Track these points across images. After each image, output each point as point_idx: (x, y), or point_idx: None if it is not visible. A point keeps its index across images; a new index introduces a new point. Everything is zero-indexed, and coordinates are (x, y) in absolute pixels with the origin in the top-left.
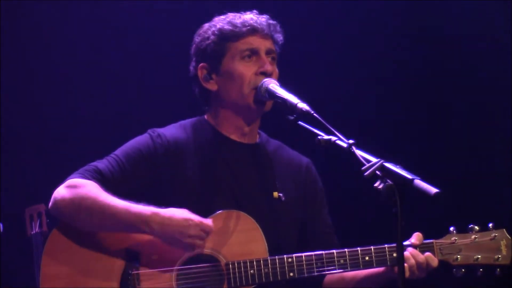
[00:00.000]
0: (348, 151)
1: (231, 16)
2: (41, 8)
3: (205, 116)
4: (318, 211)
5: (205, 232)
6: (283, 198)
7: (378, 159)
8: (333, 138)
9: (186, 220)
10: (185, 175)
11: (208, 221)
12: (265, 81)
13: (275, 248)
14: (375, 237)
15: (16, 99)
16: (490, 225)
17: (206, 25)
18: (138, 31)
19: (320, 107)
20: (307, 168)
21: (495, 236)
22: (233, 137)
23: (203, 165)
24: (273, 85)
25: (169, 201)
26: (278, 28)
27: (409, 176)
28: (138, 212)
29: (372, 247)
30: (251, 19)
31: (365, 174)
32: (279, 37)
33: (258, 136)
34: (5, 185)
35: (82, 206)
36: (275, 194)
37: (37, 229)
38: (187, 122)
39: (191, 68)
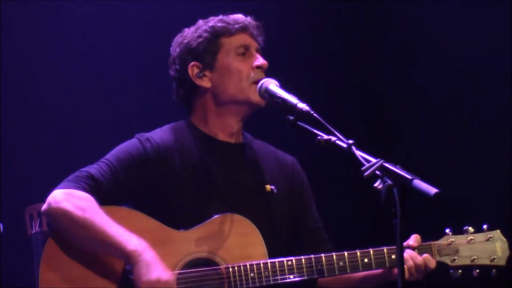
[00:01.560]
0: (347, 151)
1: (219, 16)
2: (38, 8)
3: (190, 119)
4: (307, 206)
5: None
6: (275, 191)
7: (378, 159)
8: (333, 138)
9: (162, 271)
10: (177, 177)
11: None
12: (265, 81)
13: (272, 242)
14: (375, 237)
15: (15, 98)
16: (485, 226)
17: (189, 29)
18: (129, 34)
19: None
20: (293, 165)
21: (490, 237)
22: (220, 137)
23: (194, 166)
24: (273, 85)
25: (163, 204)
26: (262, 30)
27: (408, 176)
28: (126, 241)
29: (371, 249)
30: (241, 18)
31: (365, 174)
32: (262, 38)
33: (242, 136)
34: (5, 185)
35: (75, 221)
36: (268, 187)
37: (37, 229)
38: (173, 125)
39: (174, 72)
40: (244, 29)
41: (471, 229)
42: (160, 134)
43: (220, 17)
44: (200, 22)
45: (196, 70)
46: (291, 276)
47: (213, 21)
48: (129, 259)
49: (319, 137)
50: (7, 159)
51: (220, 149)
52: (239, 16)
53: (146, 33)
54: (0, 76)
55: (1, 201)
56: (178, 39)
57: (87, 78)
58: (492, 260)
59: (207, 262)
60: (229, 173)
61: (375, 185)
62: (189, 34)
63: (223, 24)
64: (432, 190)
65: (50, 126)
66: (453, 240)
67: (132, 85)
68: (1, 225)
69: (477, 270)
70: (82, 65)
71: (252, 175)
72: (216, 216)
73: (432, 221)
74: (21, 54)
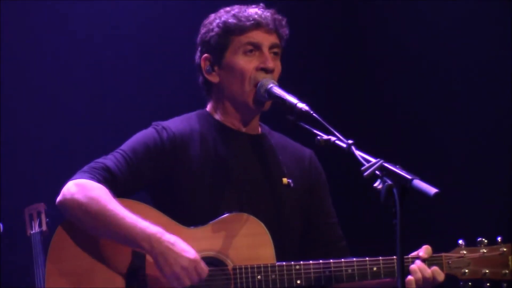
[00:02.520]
0: (347, 151)
1: (236, 9)
2: (39, 8)
3: (207, 108)
4: (323, 201)
5: (197, 272)
6: (292, 184)
7: (378, 159)
8: (333, 138)
9: (186, 251)
10: (193, 166)
11: (205, 268)
12: (265, 81)
13: (284, 238)
14: (376, 237)
15: (16, 98)
16: (499, 238)
17: (212, 16)
18: (138, 25)
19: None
20: (311, 158)
21: (504, 251)
22: (236, 128)
23: (210, 155)
24: (272, 85)
25: (179, 194)
26: (283, 22)
27: (408, 176)
28: (143, 228)
29: (380, 258)
30: (256, 13)
31: (365, 174)
32: (285, 31)
33: (260, 127)
34: (5, 185)
35: (89, 211)
36: (284, 180)
37: (36, 229)
38: (191, 114)
39: (196, 57)
40: (256, 25)
41: (484, 241)
42: (177, 124)
43: (236, 10)
44: (221, 12)
45: (207, 64)
46: (298, 282)
47: (228, 15)
48: (150, 242)
49: (318, 137)
50: (7, 159)
51: (237, 140)
52: (254, 11)
53: (152, 26)
54: (0, 76)
55: (1, 201)
56: (202, 25)
57: (85, 77)
58: (504, 275)
59: (215, 261)
60: (244, 164)
61: (375, 185)
62: (208, 23)
63: (235, 21)
64: (432, 190)
65: (50, 126)
66: (465, 252)
67: (131, 82)
68: (1, 225)
69: (488, 284)
70: (81, 62)
71: (268, 167)
72: (227, 214)
73: (444, 226)
74: (21, 53)
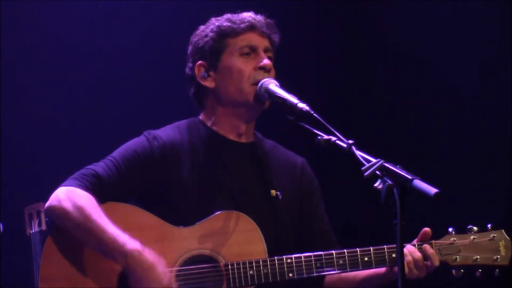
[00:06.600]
0: (348, 151)
1: (228, 15)
2: (39, 8)
3: (200, 117)
4: (315, 209)
5: None
6: (280, 197)
7: (378, 159)
8: (333, 138)
9: (160, 278)
10: (183, 175)
11: None
12: (265, 81)
13: (274, 247)
14: (375, 237)
15: (15, 98)
16: (489, 225)
17: (202, 26)
18: (134, 32)
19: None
20: (303, 167)
21: (494, 236)
22: (229, 136)
23: (200, 164)
24: (273, 85)
25: (167, 202)
26: (275, 28)
27: (408, 176)
28: (122, 243)
29: (371, 248)
30: (250, 16)
31: (365, 174)
32: (276, 37)
33: (253, 135)
34: (5, 185)
35: (73, 220)
36: (273, 192)
37: (36, 228)
38: (182, 123)
39: (187, 69)
40: (251, 28)
41: (475, 228)
42: (168, 132)
43: (228, 16)
44: (212, 20)
45: (201, 70)
46: (290, 275)
47: (221, 20)
48: (126, 259)
49: (319, 137)
50: (7, 159)
51: (228, 148)
52: (247, 15)
53: (151, 31)
54: (0, 76)
55: (1, 201)
56: (192, 36)
57: (85, 79)
58: (495, 260)
59: (207, 259)
60: (234, 174)
61: (375, 185)
62: (200, 32)
63: (229, 24)
64: (432, 190)
65: (50, 126)
66: (455, 239)
67: (130, 86)
68: (1, 225)
69: (480, 270)
70: (81, 65)
71: (258, 177)
72: (218, 212)
73: (434, 220)
74: (20, 54)
